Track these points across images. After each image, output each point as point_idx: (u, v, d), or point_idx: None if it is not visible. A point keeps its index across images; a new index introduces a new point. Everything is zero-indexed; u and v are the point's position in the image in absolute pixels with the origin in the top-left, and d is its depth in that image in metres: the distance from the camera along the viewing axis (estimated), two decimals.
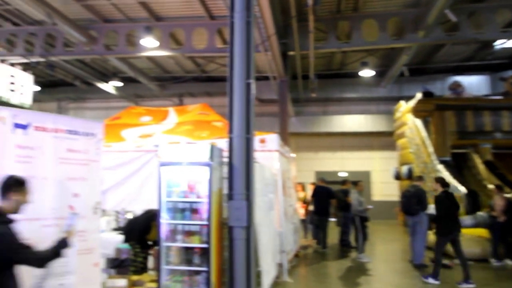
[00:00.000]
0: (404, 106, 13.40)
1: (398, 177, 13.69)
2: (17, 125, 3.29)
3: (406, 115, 13.04)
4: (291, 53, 11.00)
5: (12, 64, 10.53)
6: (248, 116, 4.63)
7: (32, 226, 3.27)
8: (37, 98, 12.23)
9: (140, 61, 13.54)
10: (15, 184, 2.75)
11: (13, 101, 10.12)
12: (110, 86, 14.95)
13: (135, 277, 4.85)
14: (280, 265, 6.44)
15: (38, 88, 13.40)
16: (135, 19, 10.68)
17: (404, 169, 12.56)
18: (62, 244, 2.89)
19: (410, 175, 11.96)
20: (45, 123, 3.45)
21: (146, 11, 10.16)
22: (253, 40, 4.95)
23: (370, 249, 9.39)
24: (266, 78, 12.20)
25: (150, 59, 13.07)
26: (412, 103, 12.47)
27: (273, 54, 9.65)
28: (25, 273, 2.76)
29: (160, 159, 4.50)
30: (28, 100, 10.57)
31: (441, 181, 6.77)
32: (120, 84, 15.10)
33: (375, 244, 10.48)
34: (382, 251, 10.09)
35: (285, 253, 6.56)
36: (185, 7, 10.20)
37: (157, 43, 10.31)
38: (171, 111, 8.18)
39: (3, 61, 10.72)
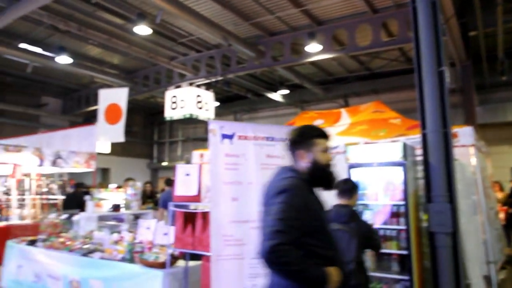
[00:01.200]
0: None
1: None
2: (224, 136, 3.64)
3: None
4: (472, 33, 9.60)
5: (198, 86, 12.25)
6: (443, 108, 4.13)
7: (242, 228, 3.54)
8: (217, 112, 13.80)
9: (304, 68, 13.87)
10: (357, 186, 3.52)
11: (201, 117, 11.75)
12: (278, 95, 15.78)
13: None
14: (487, 278, 5.53)
15: (218, 104, 15.07)
16: (298, 27, 10.97)
17: None
18: None
19: None
20: (246, 132, 3.73)
21: (308, 17, 10.31)
22: (441, 22, 4.43)
23: None
24: None
25: (313, 64, 13.24)
26: None
27: (452, 38, 8.56)
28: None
29: (349, 161, 4.37)
30: (211, 114, 12.09)
31: None
32: (287, 91, 15.79)
33: None
34: None
35: (492, 264, 5.61)
36: (345, 6, 9.95)
37: (320, 47, 10.35)
38: (343, 112, 8.04)
39: (191, 84, 12.60)
